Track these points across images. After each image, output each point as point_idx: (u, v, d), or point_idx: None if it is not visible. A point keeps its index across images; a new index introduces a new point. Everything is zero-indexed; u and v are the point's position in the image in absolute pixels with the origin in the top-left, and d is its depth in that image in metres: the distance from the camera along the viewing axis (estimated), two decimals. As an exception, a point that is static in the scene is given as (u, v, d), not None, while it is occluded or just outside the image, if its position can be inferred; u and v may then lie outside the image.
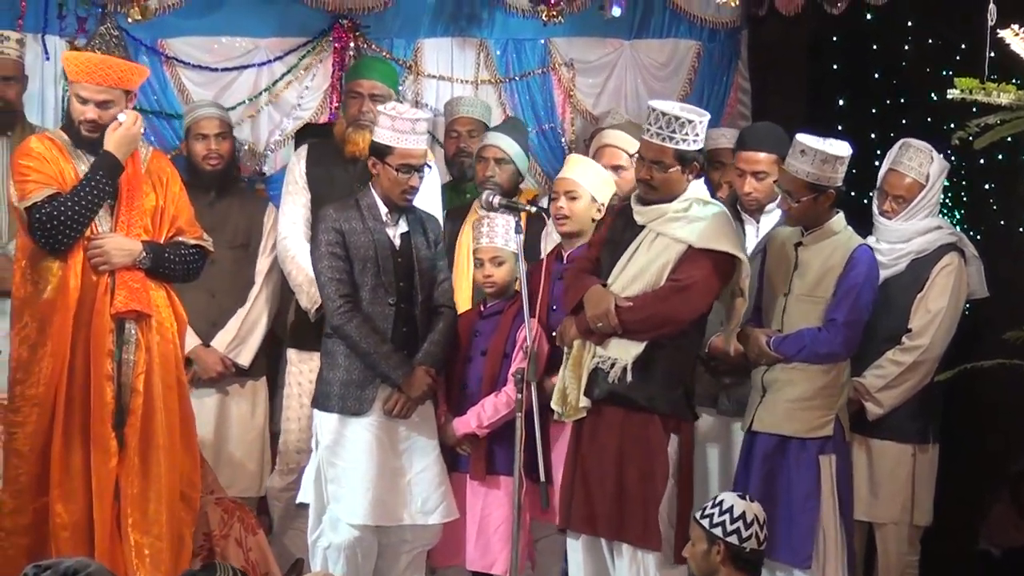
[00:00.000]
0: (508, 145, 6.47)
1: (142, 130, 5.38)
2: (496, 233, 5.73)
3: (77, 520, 5.25)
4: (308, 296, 6.20)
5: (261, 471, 6.56)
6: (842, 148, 5.36)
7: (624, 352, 5.27)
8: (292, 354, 6.44)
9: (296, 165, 6.44)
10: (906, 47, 7.43)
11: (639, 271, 5.32)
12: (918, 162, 5.88)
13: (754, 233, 5.99)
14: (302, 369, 6.35)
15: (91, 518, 5.25)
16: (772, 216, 5.94)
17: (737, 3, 7.14)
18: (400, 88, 7.43)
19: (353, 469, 5.58)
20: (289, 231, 6.29)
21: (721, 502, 4.92)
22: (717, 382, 5.86)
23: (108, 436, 5.24)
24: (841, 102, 7.57)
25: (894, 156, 5.93)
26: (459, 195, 6.76)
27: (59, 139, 5.40)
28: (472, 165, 6.72)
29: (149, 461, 5.31)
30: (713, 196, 5.69)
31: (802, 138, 5.36)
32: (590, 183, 5.79)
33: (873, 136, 7.13)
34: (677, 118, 5.27)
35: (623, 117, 7.18)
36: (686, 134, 5.27)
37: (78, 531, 5.25)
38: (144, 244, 5.35)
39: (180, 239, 5.50)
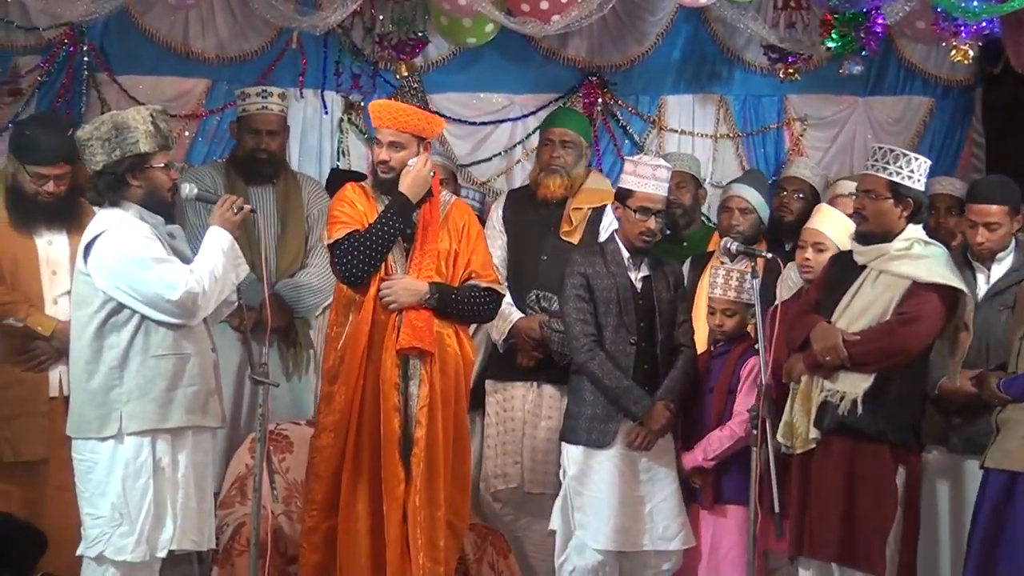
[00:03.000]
0: (751, 195, 6.55)
1: (431, 173, 5.47)
2: (731, 285, 5.77)
3: (366, 540, 5.38)
4: (497, 329, 6.30)
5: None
6: None
7: (853, 386, 5.30)
8: (488, 384, 6.48)
9: (496, 210, 6.56)
10: None
11: (865, 307, 5.35)
12: None
13: (984, 280, 5.91)
14: (497, 399, 6.41)
15: (378, 539, 5.35)
16: (1003, 264, 5.88)
17: (971, 61, 7.01)
18: (643, 142, 7.52)
19: (598, 498, 5.67)
20: None
21: None
22: (947, 421, 5.77)
23: (396, 463, 5.33)
24: (1077, 157, 7.35)
25: None
26: (677, 244, 6.79)
27: (368, 186, 5.58)
28: (683, 215, 6.82)
29: (433, 490, 5.39)
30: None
31: None
32: (837, 235, 5.82)
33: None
34: (892, 150, 5.37)
35: (807, 164, 7.16)
36: (900, 167, 5.33)
37: (367, 552, 5.36)
38: (431, 285, 5.41)
39: (473, 282, 5.55)
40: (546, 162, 6.44)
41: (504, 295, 5.74)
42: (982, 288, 5.87)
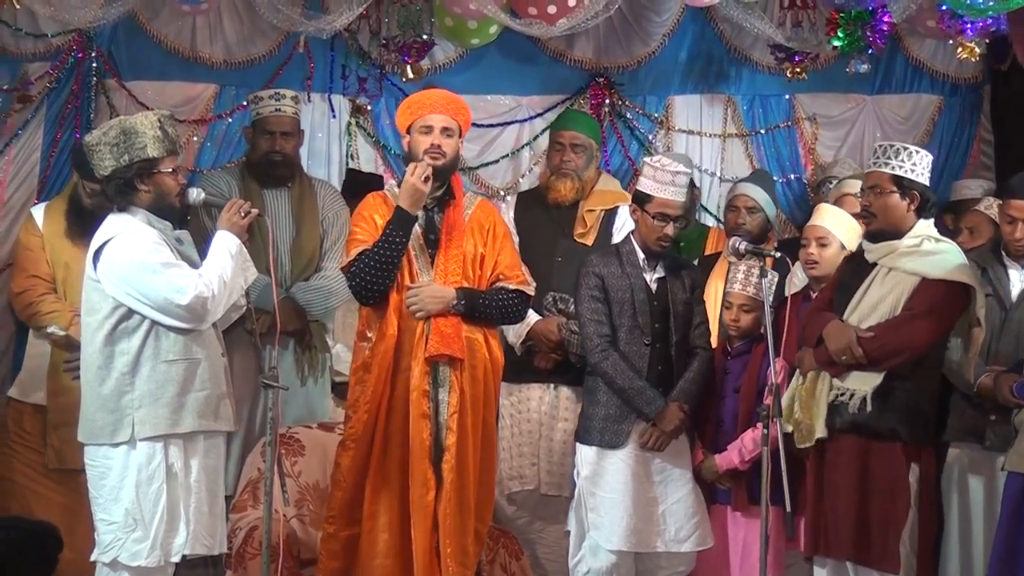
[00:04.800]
0: (757, 194, 6.51)
1: (426, 179, 5.31)
2: (750, 282, 5.74)
3: (392, 549, 5.29)
4: (515, 332, 6.25)
5: None
6: None
7: (863, 383, 5.26)
8: (501, 387, 6.31)
9: (507, 212, 6.50)
10: None
11: (874, 304, 5.31)
12: None
13: (1018, 278, 5.86)
14: (511, 401, 6.37)
15: (406, 548, 5.30)
16: None
17: (978, 58, 6.96)
18: (651, 142, 7.48)
19: (611, 499, 5.63)
20: None
21: None
22: (983, 417, 5.70)
23: (426, 471, 5.26)
24: (1085, 153, 7.29)
25: None
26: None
27: (391, 192, 5.50)
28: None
29: (463, 496, 5.33)
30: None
31: None
32: (840, 231, 5.82)
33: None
34: (892, 146, 5.35)
35: (852, 166, 7.18)
36: (902, 160, 5.30)
37: (392, 560, 5.30)
38: (458, 291, 5.34)
39: (501, 284, 5.46)
40: (556, 166, 6.40)
41: (532, 296, 5.61)
42: (1016, 285, 5.80)
